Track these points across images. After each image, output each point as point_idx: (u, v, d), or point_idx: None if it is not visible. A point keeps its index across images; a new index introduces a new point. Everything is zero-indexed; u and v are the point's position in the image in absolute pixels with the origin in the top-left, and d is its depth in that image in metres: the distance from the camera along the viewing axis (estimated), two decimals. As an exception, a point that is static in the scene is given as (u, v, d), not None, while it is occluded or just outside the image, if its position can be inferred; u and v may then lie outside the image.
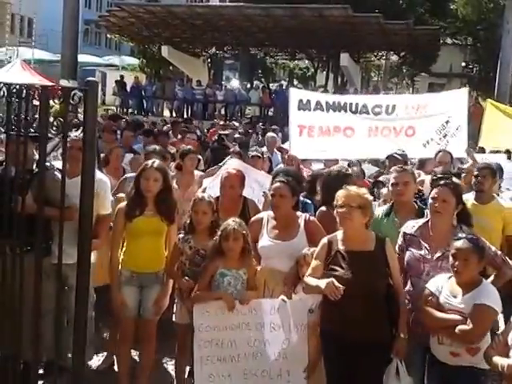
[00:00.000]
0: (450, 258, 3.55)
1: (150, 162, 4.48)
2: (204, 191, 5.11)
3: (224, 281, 4.05)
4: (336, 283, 3.47)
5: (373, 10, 23.72)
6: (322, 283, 3.52)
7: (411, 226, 4.06)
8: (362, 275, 3.56)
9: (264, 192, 5.13)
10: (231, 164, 5.68)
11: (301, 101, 7.32)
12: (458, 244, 3.54)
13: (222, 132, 12.00)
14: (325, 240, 3.79)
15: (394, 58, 29.86)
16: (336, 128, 7.23)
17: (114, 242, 4.42)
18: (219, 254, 4.06)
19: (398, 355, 3.61)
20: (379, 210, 4.66)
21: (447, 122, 7.12)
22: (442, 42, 31.21)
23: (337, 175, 4.95)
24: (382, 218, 4.50)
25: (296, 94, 7.56)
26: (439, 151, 6.90)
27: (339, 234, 3.75)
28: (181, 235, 4.33)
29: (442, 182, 4.05)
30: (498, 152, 9.87)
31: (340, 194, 3.72)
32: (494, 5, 31.49)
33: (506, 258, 3.95)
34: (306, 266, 3.92)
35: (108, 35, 36.73)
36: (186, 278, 4.22)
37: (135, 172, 5.14)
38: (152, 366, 4.52)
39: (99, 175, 4.61)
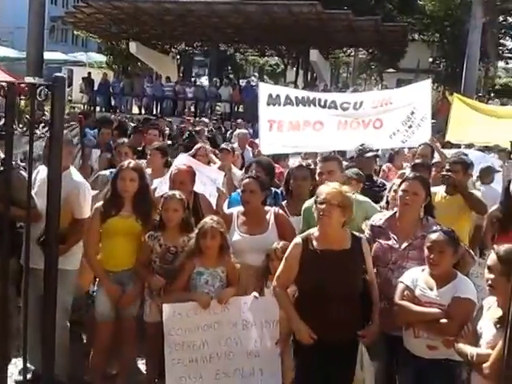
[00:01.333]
0: (426, 251, 3.58)
1: (126, 163, 4.45)
2: (154, 190, 5.01)
3: (201, 280, 4.02)
4: (312, 334, 3.48)
5: (342, 6, 23.89)
6: (300, 327, 3.53)
7: (378, 218, 4.13)
8: (340, 275, 3.53)
9: (218, 188, 5.10)
10: (180, 160, 5.56)
11: (270, 95, 7.32)
12: (434, 236, 3.56)
13: (191, 129, 11.93)
14: (298, 239, 3.70)
15: (363, 54, 30.17)
16: (306, 122, 7.25)
17: (89, 241, 4.36)
18: (196, 252, 4.03)
19: (367, 340, 3.60)
20: (310, 201, 4.57)
21: (412, 113, 7.24)
22: (409, 38, 31.62)
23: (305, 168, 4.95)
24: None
25: (265, 89, 7.55)
26: (420, 144, 7.01)
27: (315, 232, 3.68)
28: (150, 232, 4.28)
29: (410, 175, 4.12)
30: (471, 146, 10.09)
31: (321, 190, 3.64)
32: (461, 1, 32.04)
33: (469, 248, 4.03)
34: (277, 260, 3.90)
35: (75, 32, 36.24)
36: (157, 275, 4.18)
37: (102, 169, 5.05)
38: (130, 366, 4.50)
39: (79, 178, 4.55)
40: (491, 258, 3.22)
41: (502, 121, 10.88)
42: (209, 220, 4.06)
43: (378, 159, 6.85)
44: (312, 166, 5.00)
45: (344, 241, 3.66)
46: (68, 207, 4.14)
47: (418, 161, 6.17)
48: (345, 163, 7.26)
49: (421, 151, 6.75)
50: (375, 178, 5.97)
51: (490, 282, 3.17)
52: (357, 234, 3.75)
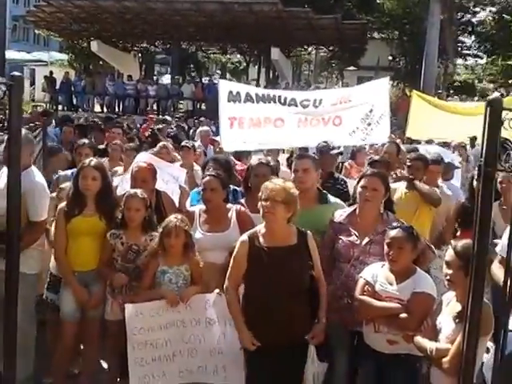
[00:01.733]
0: (385, 247, 3.62)
1: (87, 161, 4.40)
2: (115, 188, 4.96)
3: (165, 278, 4.01)
4: (254, 341, 3.52)
5: (302, 5, 24.07)
6: (243, 335, 3.57)
7: (339, 215, 4.15)
8: (286, 271, 3.54)
9: (180, 185, 5.07)
10: (141, 158, 5.50)
11: (230, 92, 7.30)
12: (393, 233, 3.60)
13: (154, 127, 11.84)
14: (244, 237, 3.70)
15: (324, 52, 30.43)
16: (266, 119, 7.26)
17: (58, 241, 4.32)
18: (160, 251, 4.01)
19: (315, 340, 3.61)
20: None
21: (371, 111, 7.31)
22: (369, 36, 32.01)
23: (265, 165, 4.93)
24: None
25: (225, 86, 7.51)
26: (386, 142, 7.10)
27: (261, 229, 3.69)
28: (112, 231, 4.25)
29: (369, 172, 4.17)
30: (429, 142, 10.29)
31: (265, 187, 3.62)
32: (419, -2, 32.62)
33: (429, 242, 4.11)
34: None
35: (36, 31, 35.64)
36: (120, 273, 4.16)
37: (57, 169, 4.97)
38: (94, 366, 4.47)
39: (38, 178, 4.32)
40: (449, 254, 3.28)
41: (460, 117, 11.12)
42: (173, 218, 4.04)
43: (340, 156, 6.92)
44: (272, 163, 4.99)
45: (290, 237, 3.67)
46: (23, 208, 4.02)
47: (375, 157, 6.26)
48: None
49: (386, 149, 6.79)
50: (336, 175, 6.01)
51: (448, 277, 3.22)
52: (302, 229, 3.73)
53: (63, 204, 4.32)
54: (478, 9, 38.84)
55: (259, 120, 7.21)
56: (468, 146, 11.69)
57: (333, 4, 29.57)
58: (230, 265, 3.72)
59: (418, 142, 10.59)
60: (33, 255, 4.28)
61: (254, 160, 5.08)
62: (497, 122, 2.31)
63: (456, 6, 29.14)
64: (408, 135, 11.02)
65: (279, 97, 7.41)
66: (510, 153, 2.66)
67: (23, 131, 3.92)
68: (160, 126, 12.00)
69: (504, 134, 2.34)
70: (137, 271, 4.17)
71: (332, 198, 4.57)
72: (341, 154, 6.74)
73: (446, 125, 10.90)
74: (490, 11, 38.03)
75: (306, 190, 4.34)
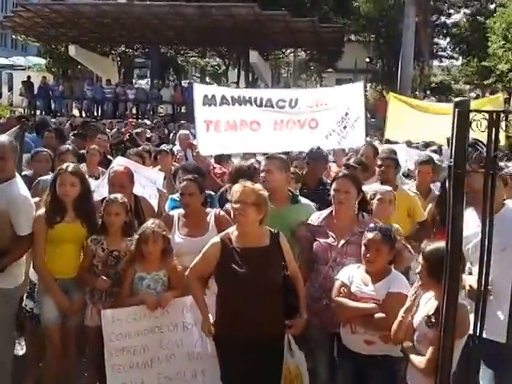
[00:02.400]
0: (363, 248, 3.66)
1: (64, 166, 4.30)
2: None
3: (143, 284, 3.99)
4: (211, 330, 3.62)
5: (279, 8, 24.17)
6: (204, 321, 3.66)
7: (316, 217, 4.20)
8: (259, 271, 3.55)
9: (158, 189, 5.05)
10: (118, 162, 5.41)
11: (206, 96, 7.27)
12: (370, 235, 3.64)
13: (132, 131, 11.79)
14: (216, 239, 3.71)
15: (302, 54, 30.59)
16: (242, 122, 7.25)
17: (38, 249, 4.20)
18: (137, 257, 3.99)
19: (292, 331, 3.65)
20: None
21: (346, 114, 7.33)
22: (346, 39, 32.26)
23: (247, 169, 4.99)
24: None
25: (200, 90, 7.48)
26: (363, 145, 7.13)
27: (233, 231, 3.70)
28: (93, 236, 4.20)
29: (340, 174, 4.22)
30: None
31: (235, 190, 3.65)
32: (394, 1, 32.97)
33: (406, 243, 4.16)
34: None
35: (14, 36, 35.27)
36: (102, 277, 4.11)
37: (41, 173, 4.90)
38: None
39: (22, 190, 4.14)
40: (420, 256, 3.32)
41: (437, 117, 11.20)
42: (150, 224, 4.02)
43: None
44: (257, 166, 5.02)
45: (262, 238, 3.70)
46: (7, 221, 3.98)
47: (350, 161, 6.30)
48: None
49: (363, 151, 6.82)
50: (325, 180, 5.95)
51: (419, 276, 3.27)
52: (274, 230, 3.75)
53: (42, 211, 4.23)
54: (452, 11, 39.47)
55: (235, 123, 7.20)
56: (445, 147, 11.82)
57: (310, 7, 29.76)
58: (196, 258, 3.73)
59: (389, 143, 10.67)
60: (10, 269, 4.15)
61: (237, 164, 5.08)
62: (464, 124, 2.36)
63: (430, 8, 29.55)
64: (387, 137, 11.10)
65: (255, 98, 7.39)
66: (480, 153, 2.73)
67: (6, 138, 3.83)
68: (138, 130, 11.96)
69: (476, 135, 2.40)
70: (117, 277, 4.13)
71: (303, 200, 4.63)
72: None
73: (424, 125, 10.96)
74: (464, 13, 38.63)
75: (274, 191, 4.36)
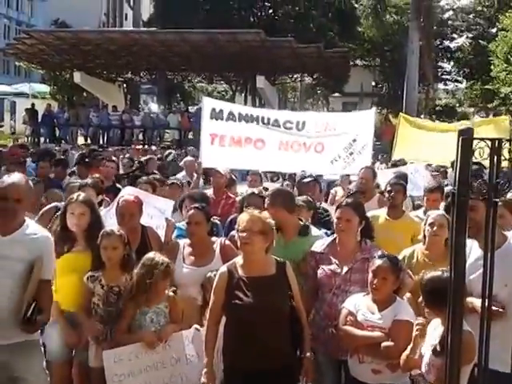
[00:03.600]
0: (370, 275, 3.65)
1: (75, 196, 4.31)
2: None
3: (146, 319, 3.89)
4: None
5: (285, 34, 24.44)
6: (208, 376, 3.51)
7: (320, 245, 4.19)
8: (266, 300, 3.52)
9: (166, 218, 5.02)
10: (127, 191, 5.41)
11: (214, 110, 7.38)
12: (379, 262, 3.64)
13: (137, 159, 11.74)
14: (224, 268, 3.68)
15: (309, 79, 30.83)
16: (247, 139, 7.33)
17: None
18: (138, 292, 3.89)
19: (308, 377, 3.61)
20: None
21: (354, 141, 7.35)
22: (352, 63, 32.55)
23: (257, 196, 4.98)
24: None
25: (209, 103, 7.64)
26: (362, 168, 7.11)
27: (239, 260, 3.68)
28: (89, 273, 4.06)
29: (343, 202, 4.21)
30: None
31: (241, 218, 3.64)
32: (398, 26, 33.30)
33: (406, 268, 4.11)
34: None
35: (17, 63, 35.56)
36: (95, 322, 3.98)
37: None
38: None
39: (43, 232, 3.64)
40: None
41: (445, 137, 11.09)
42: (157, 258, 3.90)
43: (321, 183, 6.93)
44: (264, 194, 5.00)
45: (268, 267, 3.67)
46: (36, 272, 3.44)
47: (351, 185, 6.27)
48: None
49: (362, 174, 6.84)
50: (317, 203, 5.99)
51: (423, 303, 3.27)
52: (280, 259, 3.73)
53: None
54: (455, 35, 39.81)
55: (240, 139, 7.28)
56: (450, 170, 11.79)
57: (315, 32, 30.07)
58: (211, 300, 3.68)
59: (404, 163, 10.66)
60: None
61: (247, 190, 5.07)
62: (468, 152, 2.34)
63: (434, 32, 29.80)
64: (395, 157, 11.10)
65: (262, 117, 7.47)
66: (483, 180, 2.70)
67: (21, 176, 3.54)
68: (146, 158, 11.90)
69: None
70: (119, 315, 3.98)
71: (314, 231, 4.58)
72: (317, 181, 6.73)
73: (432, 145, 10.97)
74: (466, 37, 38.94)
75: (280, 224, 4.30)
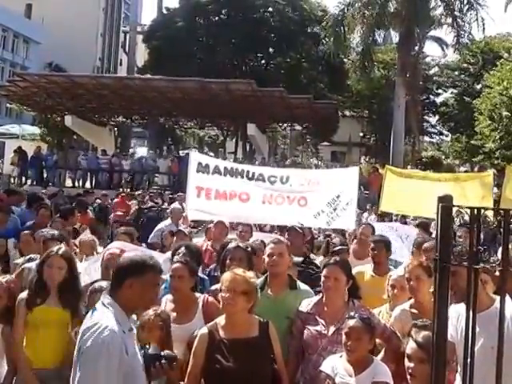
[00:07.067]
0: (343, 337, 3.59)
1: (55, 249, 4.27)
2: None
3: None
4: None
5: (277, 85, 24.92)
6: None
7: (306, 304, 4.12)
8: (247, 365, 3.43)
9: None
10: (114, 245, 5.32)
11: (200, 164, 7.57)
12: (351, 323, 3.58)
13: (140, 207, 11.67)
14: (204, 330, 3.58)
15: (298, 127, 31.29)
16: (232, 192, 7.46)
17: (16, 334, 4.02)
18: None
19: None
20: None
21: (338, 197, 7.40)
22: (341, 113, 33.18)
23: (242, 249, 4.88)
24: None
25: (196, 157, 7.90)
26: (361, 224, 7.18)
27: (221, 321, 3.60)
28: (76, 329, 3.79)
29: (331, 260, 4.16)
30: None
31: (225, 278, 3.57)
32: (386, 80, 34.14)
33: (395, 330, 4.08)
34: None
35: (8, 104, 35.68)
36: None
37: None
38: None
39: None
40: (410, 346, 3.25)
41: (432, 186, 11.09)
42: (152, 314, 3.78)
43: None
44: (249, 249, 4.91)
45: (251, 328, 3.59)
46: None
47: (338, 247, 6.33)
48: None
49: (362, 230, 6.79)
50: (312, 256, 5.93)
51: (410, 370, 3.19)
52: (263, 319, 3.65)
53: (24, 294, 4.12)
54: (440, 90, 40.90)
55: (225, 193, 7.41)
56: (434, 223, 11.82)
57: (305, 84, 30.73)
58: (190, 362, 3.58)
59: (390, 220, 10.67)
60: None
61: (232, 243, 5.00)
62: (448, 219, 2.38)
63: (420, 87, 30.48)
64: (382, 209, 11.17)
65: (247, 172, 7.63)
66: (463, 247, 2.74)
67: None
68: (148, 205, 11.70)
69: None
70: None
71: (302, 285, 4.53)
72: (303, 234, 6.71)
73: (421, 195, 10.98)
74: (451, 92, 40.00)
75: (277, 275, 4.35)
